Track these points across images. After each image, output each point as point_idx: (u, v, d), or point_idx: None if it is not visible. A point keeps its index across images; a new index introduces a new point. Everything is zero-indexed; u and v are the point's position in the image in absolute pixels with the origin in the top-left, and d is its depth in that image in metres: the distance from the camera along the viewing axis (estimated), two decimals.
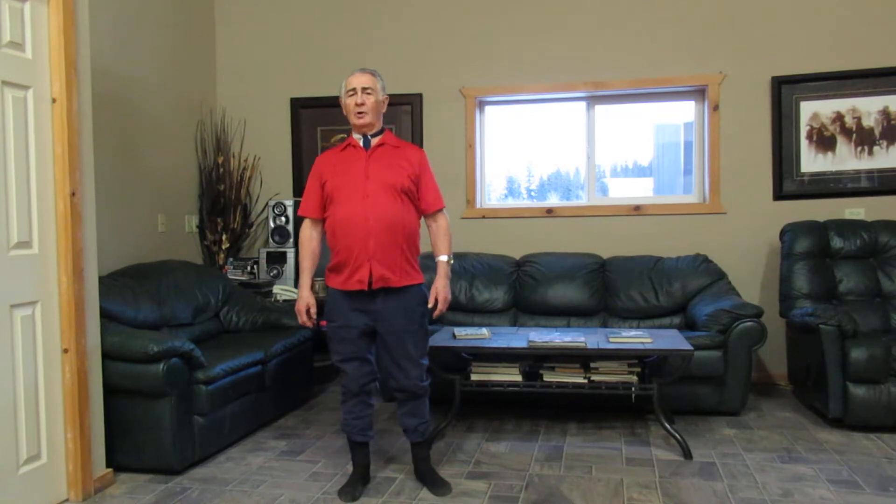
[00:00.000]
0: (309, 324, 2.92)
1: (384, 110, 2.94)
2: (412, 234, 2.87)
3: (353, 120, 2.86)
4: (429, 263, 3.17)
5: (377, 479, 3.05)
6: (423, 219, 2.97)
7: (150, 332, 3.30)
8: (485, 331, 3.64)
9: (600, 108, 4.96)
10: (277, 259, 4.91)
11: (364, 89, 2.83)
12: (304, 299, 2.90)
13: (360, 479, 2.94)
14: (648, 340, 3.41)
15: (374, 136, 2.89)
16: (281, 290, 4.69)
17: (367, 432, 2.95)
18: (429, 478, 2.97)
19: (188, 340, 3.22)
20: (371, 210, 2.76)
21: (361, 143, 2.88)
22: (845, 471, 3.07)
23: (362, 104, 2.82)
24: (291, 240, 4.93)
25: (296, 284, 4.86)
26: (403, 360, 2.85)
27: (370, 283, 2.77)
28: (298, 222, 4.93)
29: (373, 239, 2.75)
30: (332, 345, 2.90)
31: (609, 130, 5.00)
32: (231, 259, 4.88)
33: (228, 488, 2.99)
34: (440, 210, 2.98)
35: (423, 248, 3.06)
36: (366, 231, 2.75)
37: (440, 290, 2.92)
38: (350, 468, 3.04)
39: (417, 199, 2.91)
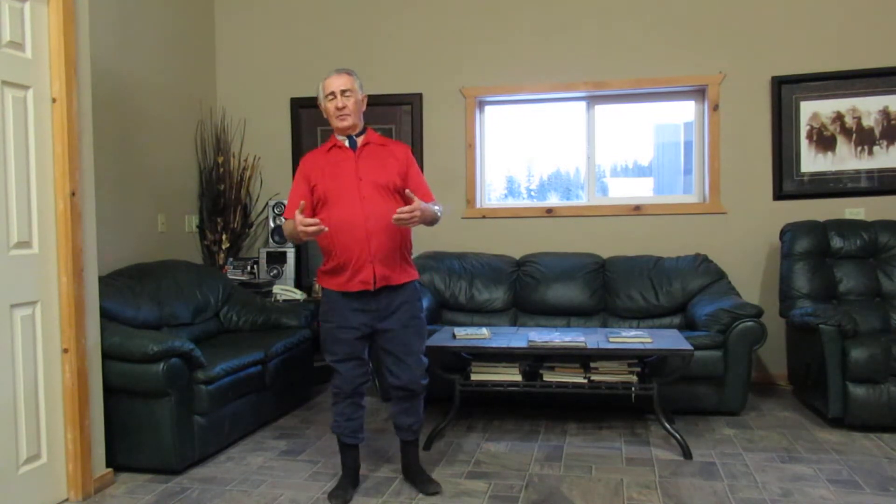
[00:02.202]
0: (311, 226, 2.60)
1: (364, 108, 2.91)
2: (407, 233, 2.88)
3: (336, 123, 2.84)
4: (427, 262, 3.17)
5: (377, 479, 3.05)
6: None
7: (150, 332, 3.30)
8: (485, 331, 3.64)
9: (600, 108, 4.95)
10: (277, 259, 4.91)
11: (343, 92, 2.80)
12: (296, 220, 2.63)
13: (350, 483, 2.92)
14: (648, 340, 3.41)
15: (357, 135, 2.88)
16: (281, 290, 4.69)
17: (359, 434, 2.94)
18: (419, 477, 2.96)
19: (188, 340, 3.22)
20: (369, 212, 2.75)
21: (347, 144, 2.87)
22: (845, 471, 3.07)
23: (343, 107, 2.80)
24: None
25: (295, 284, 4.87)
26: (407, 356, 2.87)
27: (374, 283, 2.78)
28: None
29: (374, 240, 2.75)
30: (326, 345, 2.89)
31: (609, 130, 5.00)
32: (231, 259, 4.87)
33: (228, 488, 2.99)
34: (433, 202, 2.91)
35: (419, 247, 3.04)
36: (366, 232, 2.74)
37: (421, 205, 2.71)
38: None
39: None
